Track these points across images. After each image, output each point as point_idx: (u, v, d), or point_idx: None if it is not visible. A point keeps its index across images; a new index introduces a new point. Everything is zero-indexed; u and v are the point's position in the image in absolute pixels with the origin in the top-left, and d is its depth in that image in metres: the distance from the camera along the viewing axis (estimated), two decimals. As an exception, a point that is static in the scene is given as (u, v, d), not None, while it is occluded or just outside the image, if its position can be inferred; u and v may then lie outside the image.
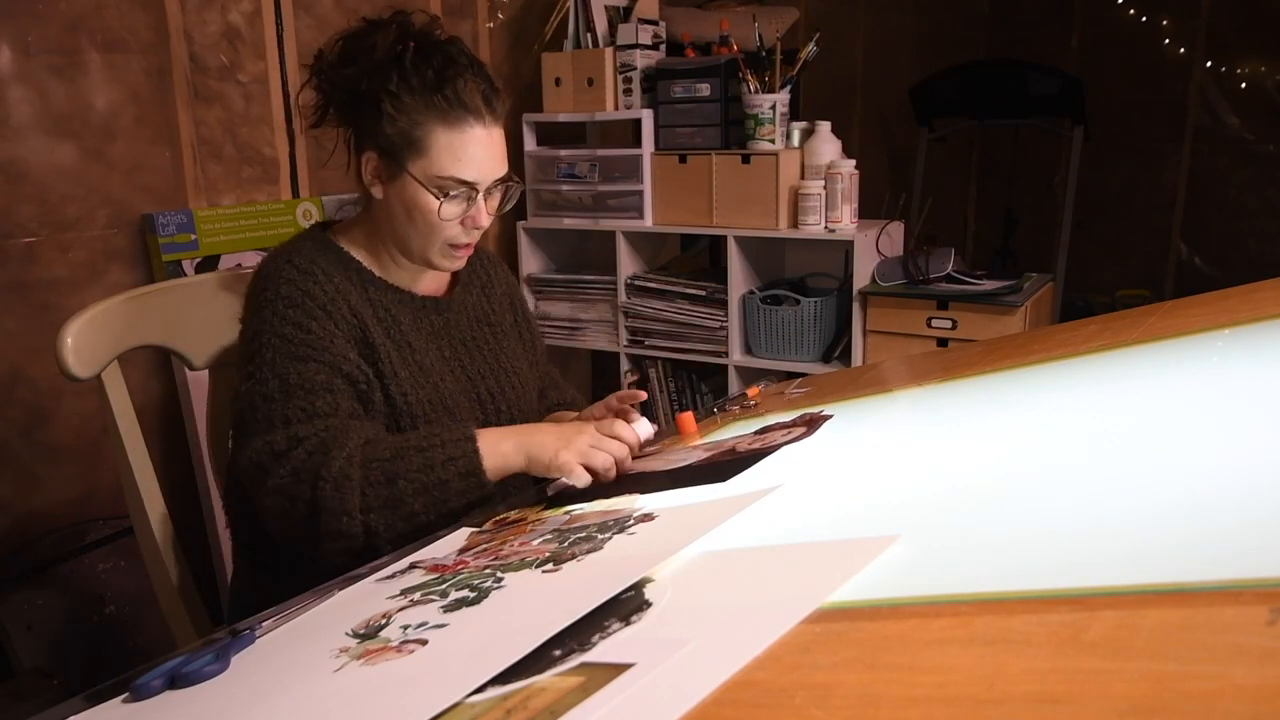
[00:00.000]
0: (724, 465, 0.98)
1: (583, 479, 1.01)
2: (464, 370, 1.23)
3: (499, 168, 1.15)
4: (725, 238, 2.34)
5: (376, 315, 1.16)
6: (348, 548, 0.99)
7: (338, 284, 1.13)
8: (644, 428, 1.11)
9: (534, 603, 0.71)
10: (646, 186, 2.41)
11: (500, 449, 1.03)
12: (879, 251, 2.26)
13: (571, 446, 1.02)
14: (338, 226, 1.23)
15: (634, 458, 1.07)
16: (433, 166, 1.11)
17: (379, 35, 1.11)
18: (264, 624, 0.82)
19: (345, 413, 1.07)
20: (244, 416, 1.08)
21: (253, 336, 1.11)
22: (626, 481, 1.04)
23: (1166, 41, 4.27)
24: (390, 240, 1.18)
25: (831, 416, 1.07)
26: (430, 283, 1.25)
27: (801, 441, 0.99)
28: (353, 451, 1.01)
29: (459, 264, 1.20)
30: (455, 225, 1.14)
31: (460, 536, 0.96)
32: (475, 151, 1.12)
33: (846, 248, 2.29)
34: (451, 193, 1.12)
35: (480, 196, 1.14)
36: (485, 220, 1.15)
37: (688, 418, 1.20)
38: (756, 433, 1.09)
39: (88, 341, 1.16)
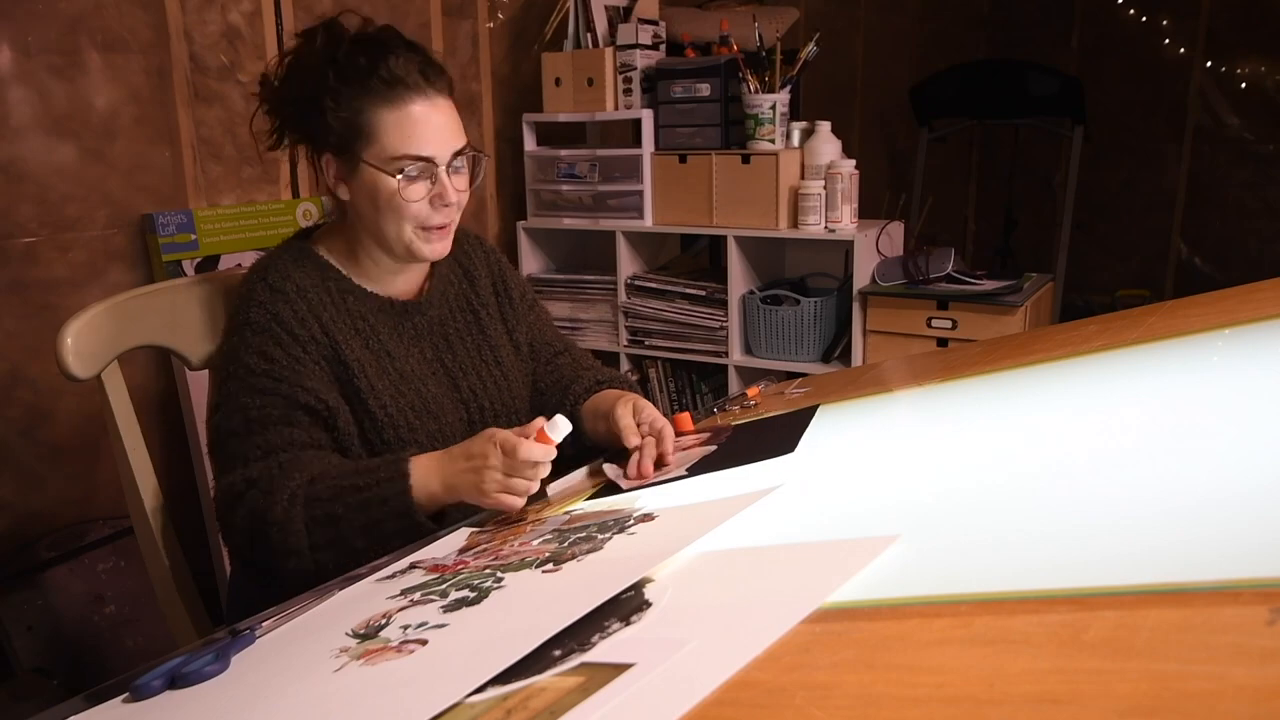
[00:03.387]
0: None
1: (514, 507, 0.97)
2: (446, 370, 1.22)
3: (454, 139, 1.13)
4: (725, 238, 2.33)
5: (354, 327, 1.16)
6: (309, 579, 0.98)
7: (311, 301, 1.13)
8: (556, 429, 0.98)
9: (534, 603, 0.71)
10: (646, 186, 2.41)
11: (430, 488, 1.00)
12: (879, 251, 2.26)
13: (487, 481, 0.96)
14: (318, 234, 1.23)
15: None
16: (385, 149, 1.10)
17: (309, 44, 1.12)
18: (264, 624, 0.82)
19: (301, 444, 1.07)
20: (215, 450, 1.11)
21: (223, 363, 1.12)
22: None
23: (1166, 41, 4.27)
24: (370, 239, 1.17)
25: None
26: (409, 283, 1.23)
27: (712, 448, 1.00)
28: (295, 491, 1.01)
29: (441, 248, 1.16)
30: (424, 205, 1.12)
31: (460, 536, 0.96)
32: (423, 124, 1.10)
33: (846, 248, 2.29)
34: (409, 170, 1.10)
35: (443, 171, 1.12)
36: (453, 195, 1.13)
37: (685, 418, 1.20)
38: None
39: (88, 341, 1.16)
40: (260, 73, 1.16)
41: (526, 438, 0.97)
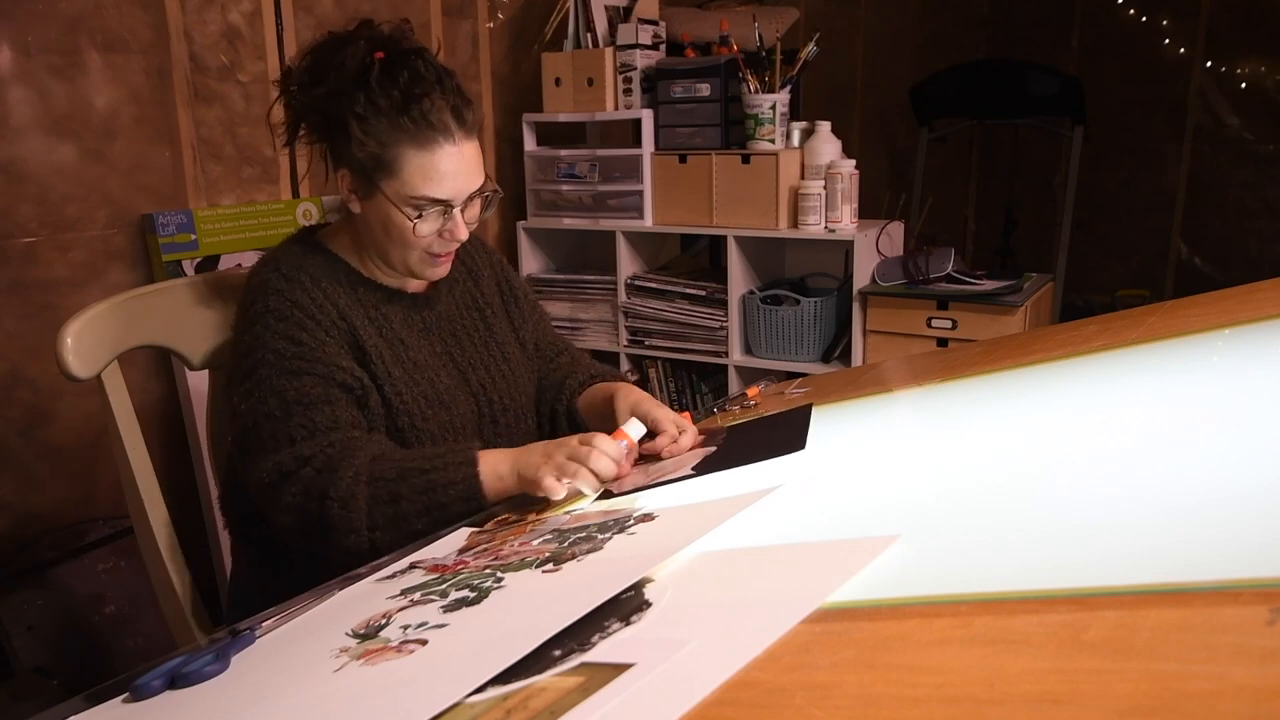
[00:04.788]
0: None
1: (557, 493, 0.98)
2: (455, 364, 1.23)
3: (474, 180, 1.13)
4: (725, 238, 2.33)
5: (368, 315, 1.16)
6: (356, 560, 1.00)
7: (325, 289, 1.14)
8: (635, 429, 1.08)
9: (534, 603, 0.71)
10: (646, 186, 2.41)
11: (499, 471, 1.03)
12: (879, 251, 2.26)
13: (550, 463, 0.99)
14: (325, 230, 1.23)
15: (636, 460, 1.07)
16: (405, 188, 1.09)
17: (347, 51, 1.09)
18: (264, 624, 0.82)
19: (346, 423, 1.08)
20: (248, 436, 1.09)
21: (246, 352, 1.11)
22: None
23: (1166, 41, 4.27)
24: (373, 249, 1.18)
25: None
26: (414, 281, 1.24)
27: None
28: (359, 470, 1.02)
29: (442, 271, 1.19)
30: (432, 239, 1.13)
31: (460, 536, 0.96)
32: (448, 170, 1.10)
33: (846, 248, 2.29)
34: (426, 211, 1.11)
35: (457, 210, 1.13)
36: (463, 234, 1.14)
37: (684, 419, 1.20)
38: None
39: (88, 341, 1.16)
40: (286, 65, 1.15)
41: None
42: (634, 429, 1.08)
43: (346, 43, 1.10)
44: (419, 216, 1.10)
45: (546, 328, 1.41)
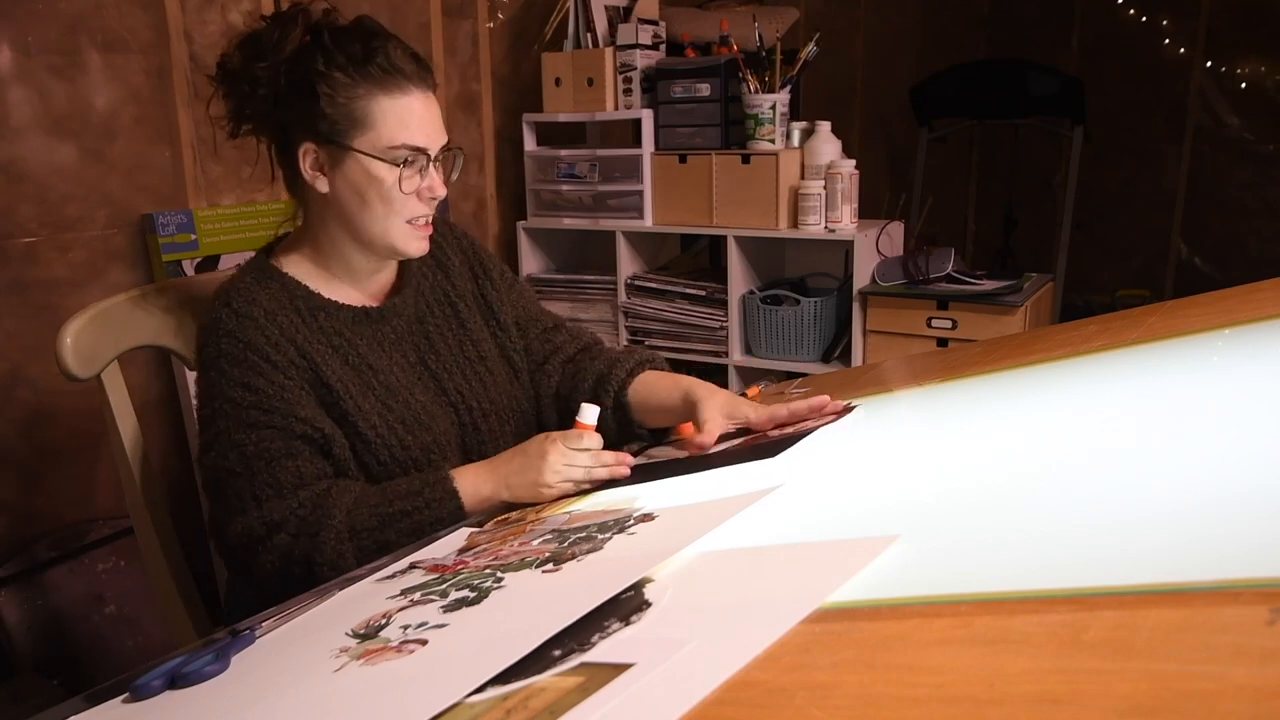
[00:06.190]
0: (768, 446, 1.01)
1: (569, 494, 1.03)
2: (430, 374, 1.19)
3: (443, 134, 1.12)
4: (725, 238, 2.34)
5: (331, 344, 1.11)
6: None
7: (281, 324, 1.08)
8: (588, 415, 1.08)
9: (534, 603, 0.71)
10: (646, 186, 2.41)
11: (480, 493, 1.04)
12: (879, 251, 2.26)
13: (547, 473, 1.02)
14: (279, 248, 1.19)
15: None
16: (382, 138, 1.07)
17: (285, 29, 1.08)
18: (264, 624, 0.82)
19: (312, 477, 1.04)
20: (211, 489, 1.06)
21: (204, 400, 1.08)
22: (681, 464, 1.05)
23: (1166, 41, 4.27)
24: (345, 237, 1.13)
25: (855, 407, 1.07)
26: (380, 284, 1.20)
27: (825, 428, 1.00)
28: (340, 528, 0.99)
29: (424, 245, 1.15)
30: (413, 199, 1.10)
31: (460, 536, 0.96)
32: (421, 115, 1.09)
33: (846, 248, 2.29)
34: (406, 160, 1.09)
35: (431, 165, 1.11)
36: (441, 189, 1.12)
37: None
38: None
39: (88, 341, 1.16)
40: (220, 56, 1.10)
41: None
42: (589, 415, 1.09)
43: (285, 20, 1.09)
44: (403, 165, 1.08)
45: (529, 302, 1.34)
